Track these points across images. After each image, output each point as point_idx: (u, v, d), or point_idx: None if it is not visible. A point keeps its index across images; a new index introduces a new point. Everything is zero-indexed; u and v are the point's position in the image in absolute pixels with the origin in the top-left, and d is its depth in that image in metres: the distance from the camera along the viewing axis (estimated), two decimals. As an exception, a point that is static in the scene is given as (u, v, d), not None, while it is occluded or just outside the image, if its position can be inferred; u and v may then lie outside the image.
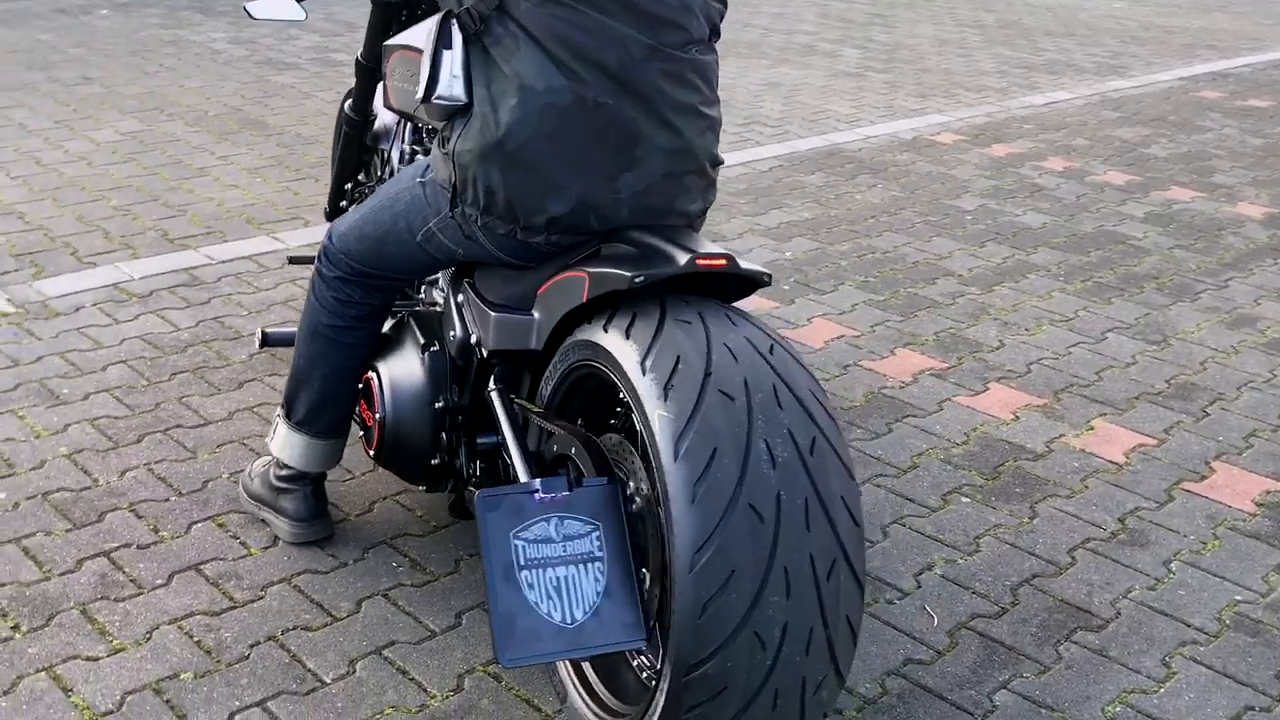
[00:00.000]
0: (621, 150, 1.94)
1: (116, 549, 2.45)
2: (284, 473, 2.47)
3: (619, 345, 1.77)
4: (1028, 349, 3.55)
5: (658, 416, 1.65)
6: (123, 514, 2.56)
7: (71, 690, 2.06)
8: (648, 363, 1.70)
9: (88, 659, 2.13)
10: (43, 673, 2.09)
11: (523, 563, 1.74)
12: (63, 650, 2.15)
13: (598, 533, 1.78)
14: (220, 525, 2.53)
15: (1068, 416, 3.17)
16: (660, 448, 1.64)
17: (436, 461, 2.31)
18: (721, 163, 2.08)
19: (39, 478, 2.67)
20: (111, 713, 2.01)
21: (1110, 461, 2.96)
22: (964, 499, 2.77)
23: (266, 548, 2.47)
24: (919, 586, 2.45)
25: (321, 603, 2.31)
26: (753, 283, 1.90)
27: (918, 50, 7.87)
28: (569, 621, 1.74)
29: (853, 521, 1.67)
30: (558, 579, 1.75)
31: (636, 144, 1.94)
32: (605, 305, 1.86)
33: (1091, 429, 3.10)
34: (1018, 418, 3.13)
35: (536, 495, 1.77)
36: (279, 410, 2.46)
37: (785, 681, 1.63)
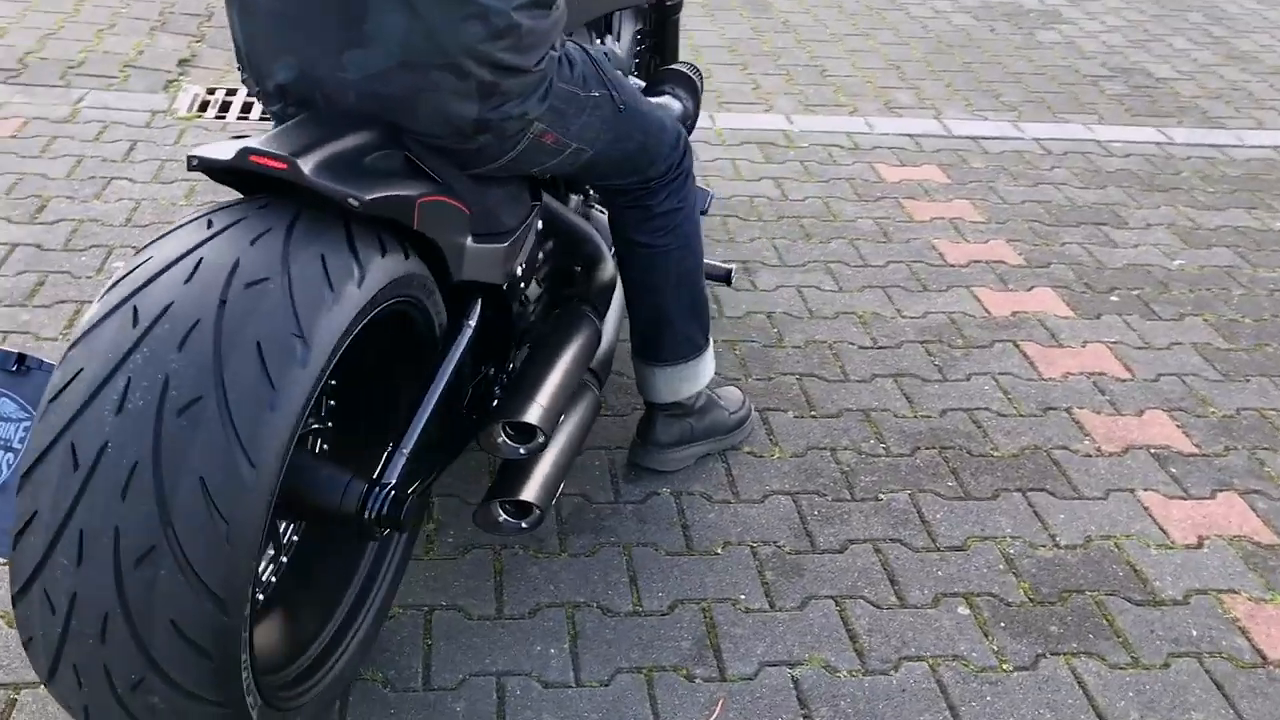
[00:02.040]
0: (349, 22, 1.72)
1: None
2: None
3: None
4: None
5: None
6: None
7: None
8: (140, 256, 1.56)
9: None
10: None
11: None
12: None
13: (29, 423, 1.60)
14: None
15: None
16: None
17: None
18: (512, 69, 1.79)
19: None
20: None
21: None
22: None
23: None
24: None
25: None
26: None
27: None
28: None
29: (213, 515, 1.39)
30: None
31: (365, 18, 1.72)
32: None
33: None
34: None
35: None
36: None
37: (84, 661, 1.44)
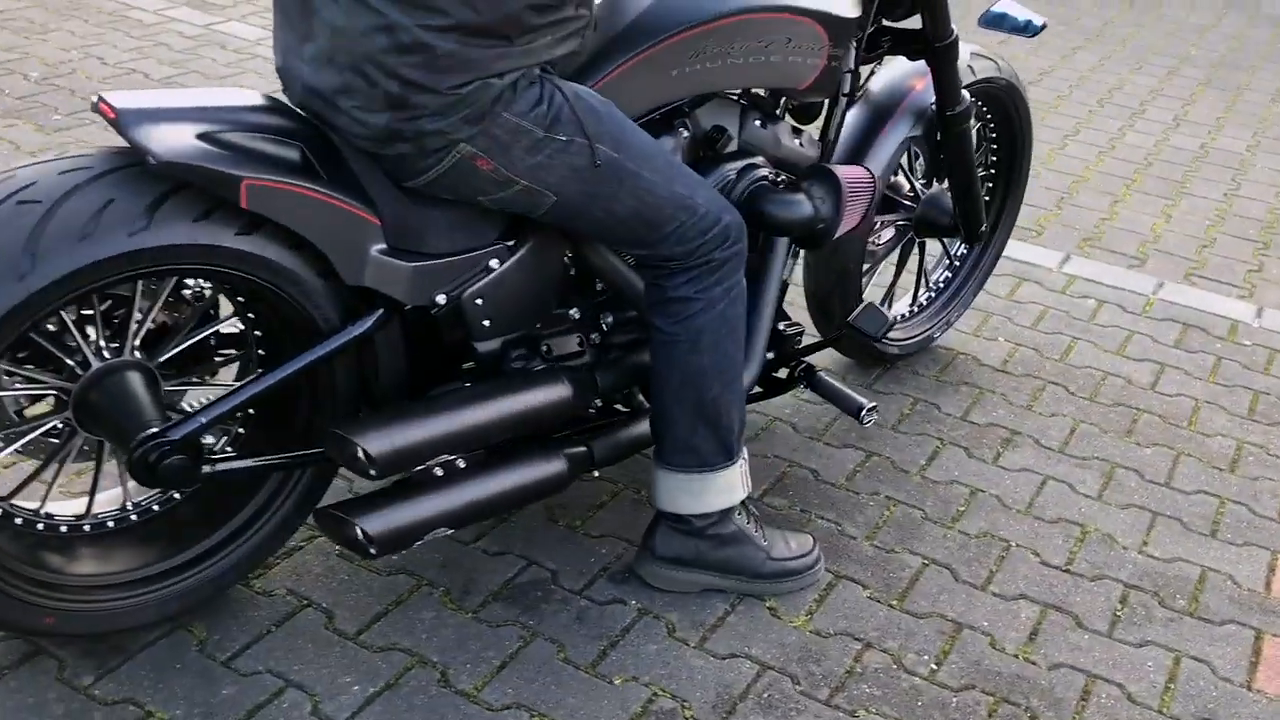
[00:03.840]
0: (307, 14, 1.79)
1: None
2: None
3: None
4: None
5: None
6: None
7: None
8: None
9: None
10: None
11: None
12: None
13: None
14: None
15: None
16: None
17: None
18: (421, 86, 1.74)
19: None
20: None
21: None
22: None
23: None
24: None
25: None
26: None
27: None
28: None
29: None
30: None
31: (313, 12, 1.78)
32: None
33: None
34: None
35: None
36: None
37: None
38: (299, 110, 1.89)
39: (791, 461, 2.65)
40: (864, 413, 2.44)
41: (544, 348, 2.16)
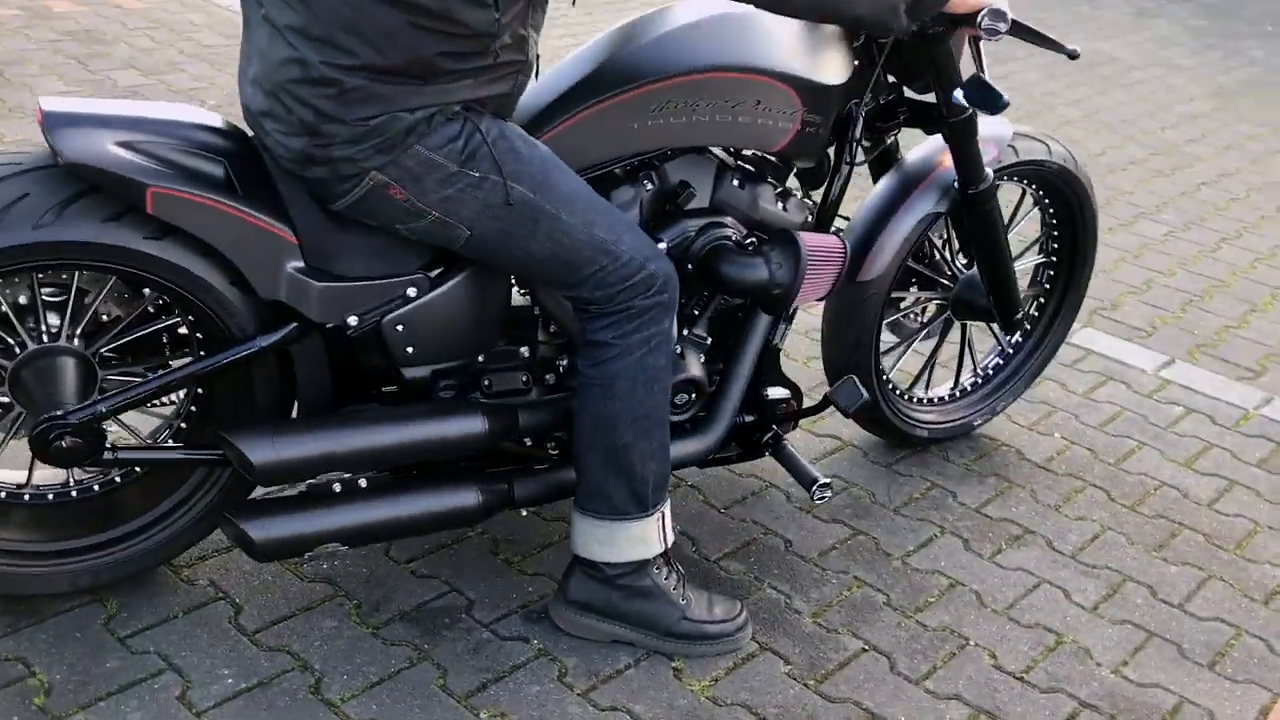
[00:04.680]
0: (246, 39, 1.92)
1: None
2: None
3: None
4: None
5: None
6: None
7: None
8: None
9: None
10: None
11: None
12: None
13: None
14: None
15: None
16: None
17: None
18: (331, 117, 1.81)
19: None
20: None
21: None
22: None
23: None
24: None
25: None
26: None
27: None
28: None
29: None
30: None
31: (250, 39, 1.90)
32: None
33: None
34: None
35: None
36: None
37: None
38: (242, 130, 2.00)
39: (768, 529, 2.57)
40: (815, 487, 2.34)
41: (485, 381, 2.18)
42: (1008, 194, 2.80)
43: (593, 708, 2.05)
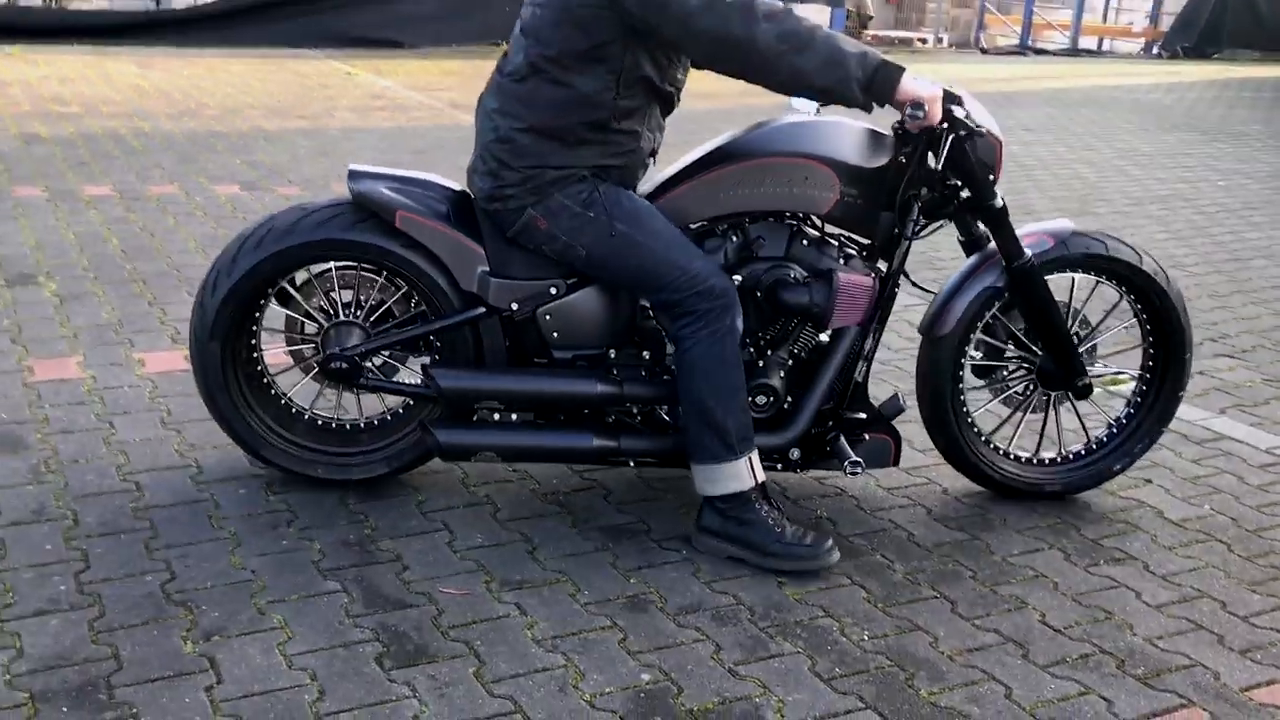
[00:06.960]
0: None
1: None
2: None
3: None
4: None
5: None
6: None
7: None
8: None
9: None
10: None
11: None
12: None
13: None
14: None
15: None
16: None
17: None
18: (506, 164, 2.86)
19: None
20: None
21: None
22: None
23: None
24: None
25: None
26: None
27: None
28: None
29: None
30: None
31: (477, 125, 3.00)
32: None
33: None
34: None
35: None
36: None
37: None
38: (463, 189, 3.11)
39: (897, 525, 3.23)
40: (849, 463, 3.07)
41: (612, 371, 3.10)
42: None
43: (709, 590, 2.84)
